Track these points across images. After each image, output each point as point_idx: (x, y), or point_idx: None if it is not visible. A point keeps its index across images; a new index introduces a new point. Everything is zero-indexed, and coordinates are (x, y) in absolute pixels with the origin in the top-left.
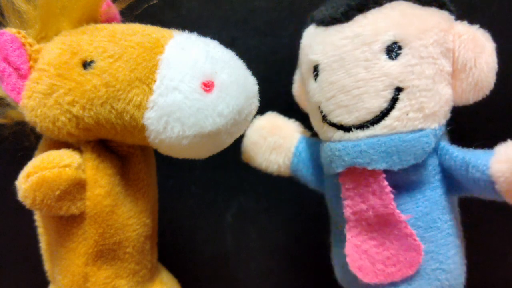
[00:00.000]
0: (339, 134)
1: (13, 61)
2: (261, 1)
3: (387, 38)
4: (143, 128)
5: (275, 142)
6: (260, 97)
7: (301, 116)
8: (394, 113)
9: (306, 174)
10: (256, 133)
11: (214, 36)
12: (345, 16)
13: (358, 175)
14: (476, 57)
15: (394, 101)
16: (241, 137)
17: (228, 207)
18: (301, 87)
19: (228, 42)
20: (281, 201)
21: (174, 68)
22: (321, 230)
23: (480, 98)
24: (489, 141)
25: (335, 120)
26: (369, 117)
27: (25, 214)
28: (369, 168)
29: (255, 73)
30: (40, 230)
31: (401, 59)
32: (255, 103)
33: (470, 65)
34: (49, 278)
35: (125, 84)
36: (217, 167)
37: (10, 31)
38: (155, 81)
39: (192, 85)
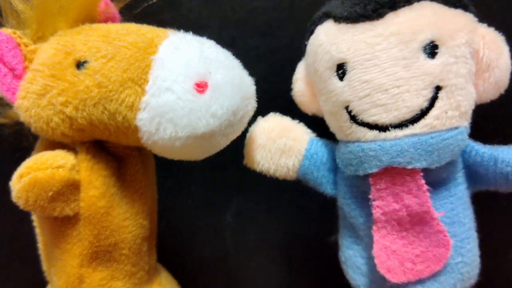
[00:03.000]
0: (373, 133)
1: (8, 61)
2: (261, 1)
3: (425, 37)
4: (136, 129)
5: (285, 145)
6: (260, 97)
7: (301, 116)
8: (434, 112)
9: (316, 177)
10: (263, 136)
11: (214, 36)
12: (377, 14)
13: (394, 174)
14: (498, 57)
15: (433, 99)
16: (240, 137)
17: (228, 208)
18: (308, 88)
19: (228, 42)
20: (281, 201)
21: (167, 68)
22: (320, 230)
23: (496, 97)
24: (504, 143)
25: (369, 119)
26: (408, 116)
27: (24, 214)
28: (409, 167)
29: (255, 73)
30: (38, 231)
31: (440, 58)
32: (252, 104)
33: (493, 65)
34: (47, 278)
35: (117, 84)
36: (216, 167)
37: (5, 31)
38: (147, 81)
39: (185, 85)
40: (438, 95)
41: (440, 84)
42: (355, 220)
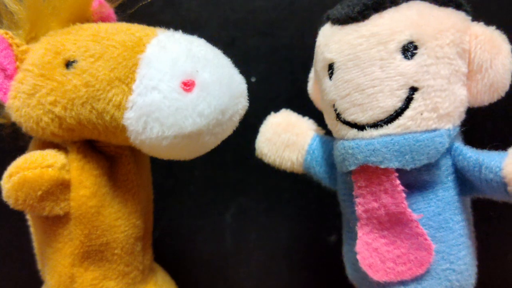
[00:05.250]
0: (353, 132)
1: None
2: (261, 1)
3: (403, 38)
4: (124, 128)
5: (288, 139)
6: (260, 97)
7: (302, 115)
8: (408, 113)
9: (319, 172)
10: (270, 130)
11: (213, 36)
12: (362, 15)
13: (371, 173)
14: (492, 58)
15: (408, 100)
16: (241, 137)
17: (228, 208)
18: (316, 86)
19: (228, 42)
20: (281, 201)
21: (154, 67)
22: (321, 230)
23: (495, 99)
24: (503, 143)
25: (349, 118)
26: (383, 116)
27: (23, 214)
28: (382, 166)
29: (255, 73)
30: (32, 230)
31: (417, 59)
32: (242, 103)
33: (486, 66)
34: (42, 278)
35: (104, 83)
36: (216, 167)
37: None
38: (135, 80)
39: (171, 84)
40: (413, 96)
41: (415, 85)
42: (348, 216)
